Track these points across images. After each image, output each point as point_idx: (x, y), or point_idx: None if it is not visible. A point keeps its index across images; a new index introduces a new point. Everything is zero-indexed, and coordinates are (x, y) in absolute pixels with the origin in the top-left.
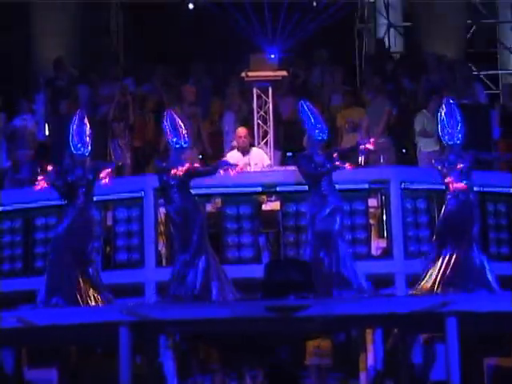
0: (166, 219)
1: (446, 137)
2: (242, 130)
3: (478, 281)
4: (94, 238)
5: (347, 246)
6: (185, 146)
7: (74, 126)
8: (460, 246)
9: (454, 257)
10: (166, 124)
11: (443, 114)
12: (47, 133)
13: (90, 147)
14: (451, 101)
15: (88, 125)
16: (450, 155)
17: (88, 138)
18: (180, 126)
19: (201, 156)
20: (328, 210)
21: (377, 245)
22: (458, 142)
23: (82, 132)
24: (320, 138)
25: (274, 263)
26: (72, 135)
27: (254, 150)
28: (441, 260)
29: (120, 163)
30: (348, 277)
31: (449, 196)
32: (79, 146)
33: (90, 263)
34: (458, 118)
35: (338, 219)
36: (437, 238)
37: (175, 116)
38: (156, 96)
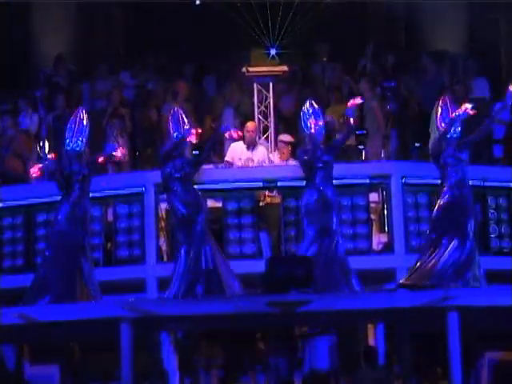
0: (167, 214)
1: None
2: (250, 125)
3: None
4: (88, 233)
5: (342, 242)
6: (184, 138)
7: (74, 123)
8: (454, 239)
9: (448, 249)
10: (171, 119)
11: (439, 110)
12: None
13: (86, 144)
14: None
15: (86, 122)
16: (448, 148)
17: (84, 137)
18: (183, 120)
19: None
20: (322, 204)
21: (378, 240)
22: (455, 135)
23: (80, 129)
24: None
25: (275, 258)
26: (71, 131)
27: (261, 148)
28: (434, 251)
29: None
30: (340, 273)
31: (445, 189)
32: (78, 141)
33: (86, 259)
34: (454, 113)
35: (332, 214)
36: (431, 231)
37: (180, 111)
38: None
